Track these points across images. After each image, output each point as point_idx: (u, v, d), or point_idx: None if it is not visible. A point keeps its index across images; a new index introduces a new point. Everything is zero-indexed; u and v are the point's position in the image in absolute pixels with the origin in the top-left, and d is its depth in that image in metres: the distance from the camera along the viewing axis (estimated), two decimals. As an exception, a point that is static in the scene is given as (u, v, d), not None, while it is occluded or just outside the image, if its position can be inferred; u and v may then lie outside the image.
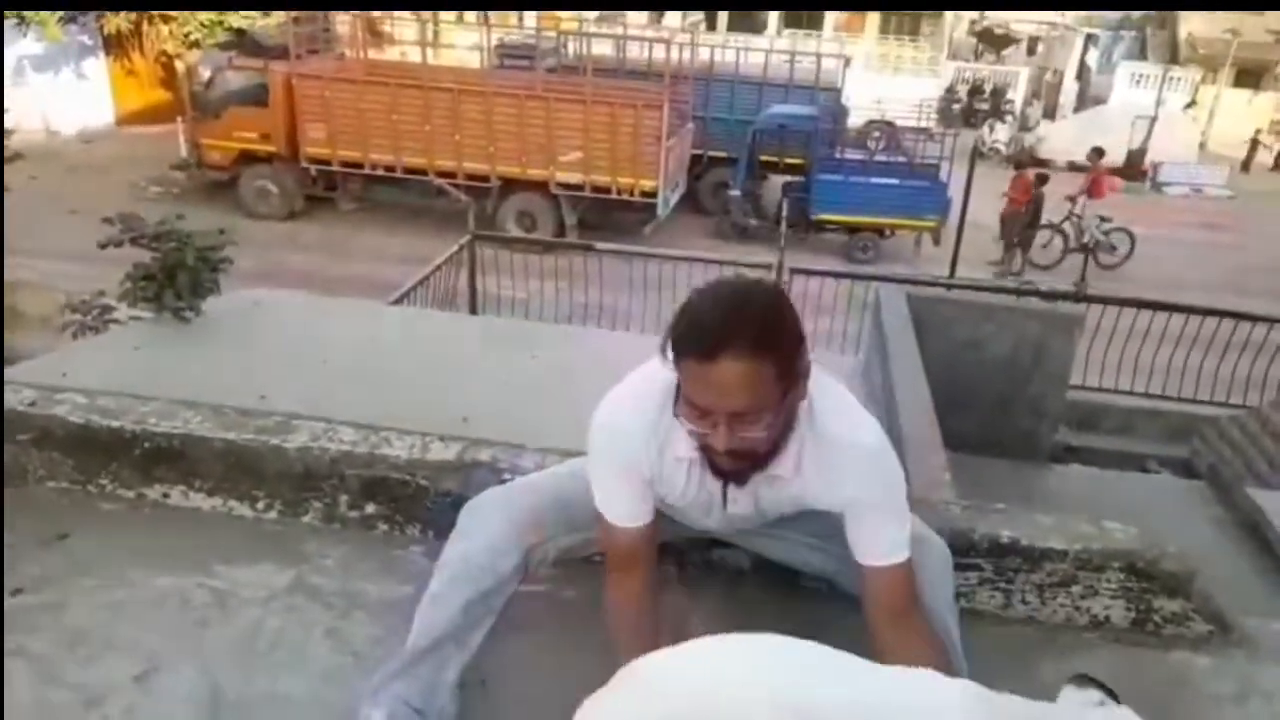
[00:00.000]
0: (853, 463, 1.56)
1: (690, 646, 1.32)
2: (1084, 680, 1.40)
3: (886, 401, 3.69)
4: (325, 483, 2.28)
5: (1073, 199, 14.50)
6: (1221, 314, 6.36)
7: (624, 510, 1.67)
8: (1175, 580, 2.16)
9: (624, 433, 1.62)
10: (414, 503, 2.28)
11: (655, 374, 1.57)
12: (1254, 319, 6.43)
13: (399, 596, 2.10)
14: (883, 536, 1.60)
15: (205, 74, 14.78)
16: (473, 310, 7.49)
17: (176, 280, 4.05)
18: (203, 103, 14.35)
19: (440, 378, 3.88)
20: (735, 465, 1.53)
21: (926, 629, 1.65)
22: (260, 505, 2.32)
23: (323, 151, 14.05)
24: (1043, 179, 14.26)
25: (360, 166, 14.07)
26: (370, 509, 2.30)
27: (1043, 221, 14.15)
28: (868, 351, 4.64)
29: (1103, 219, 14.32)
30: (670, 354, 1.44)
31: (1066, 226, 14.42)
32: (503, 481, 2.20)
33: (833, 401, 1.59)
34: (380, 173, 14.04)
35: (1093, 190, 14.69)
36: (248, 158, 14.23)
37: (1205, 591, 2.19)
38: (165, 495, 2.33)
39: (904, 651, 1.49)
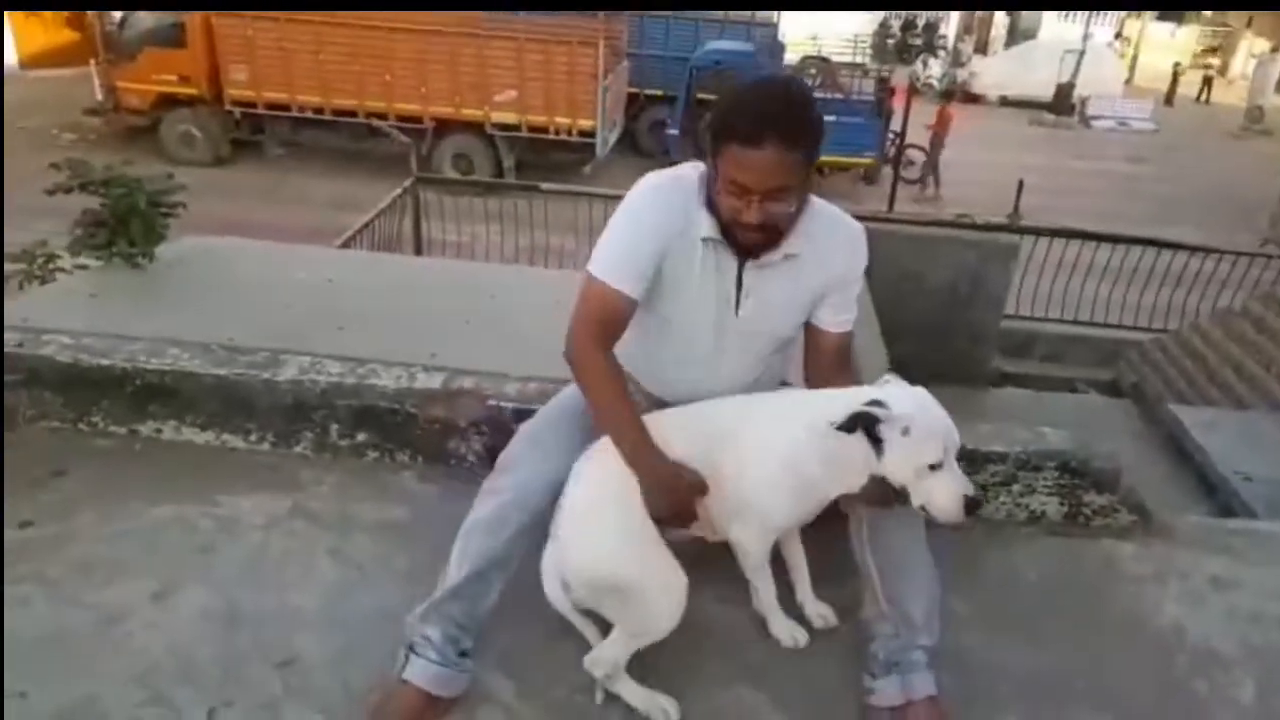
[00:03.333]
0: (847, 238, 1.87)
1: None
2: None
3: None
4: (316, 413, 2.38)
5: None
6: (1147, 242, 6.69)
7: (626, 270, 1.76)
8: (1103, 476, 2.39)
9: (664, 193, 1.80)
10: (403, 430, 2.39)
11: (682, 171, 1.83)
12: (1174, 247, 6.77)
13: (395, 517, 2.23)
14: (848, 306, 1.92)
15: (117, 13, 14.10)
16: (417, 254, 7.46)
17: (129, 226, 4.00)
18: (116, 43, 13.73)
19: (402, 318, 3.91)
20: (759, 238, 1.75)
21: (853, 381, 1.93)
22: (253, 437, 2.41)
23: (247, 93, 13.61)
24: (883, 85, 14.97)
25: (287, 109, 13.70)
26: (361, 437, 2.40)
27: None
28: (814, 283, 4.81)
29: (895, 134, 14.64)
30: (712, 141, 1.68)
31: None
32: (488, 407, 2.34)
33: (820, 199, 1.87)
34: (309, 115, 13.69)
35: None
36: (168, 101, 13.70)
37: (1129, 485, 2.43)
38: (158, 431, 2.41)
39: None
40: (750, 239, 1.75)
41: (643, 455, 1.75)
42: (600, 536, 1.73)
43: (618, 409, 1.78)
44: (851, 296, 1.92)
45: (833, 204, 1.91)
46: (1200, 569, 2.35)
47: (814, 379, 1.95)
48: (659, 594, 1.72)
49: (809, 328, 1.94)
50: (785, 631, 1.94)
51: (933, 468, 1.64)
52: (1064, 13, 27.93)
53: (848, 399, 1.69)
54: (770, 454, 1.75)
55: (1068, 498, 2.42)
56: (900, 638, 1.80)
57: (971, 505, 1.66)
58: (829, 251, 1.83)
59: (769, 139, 1.61)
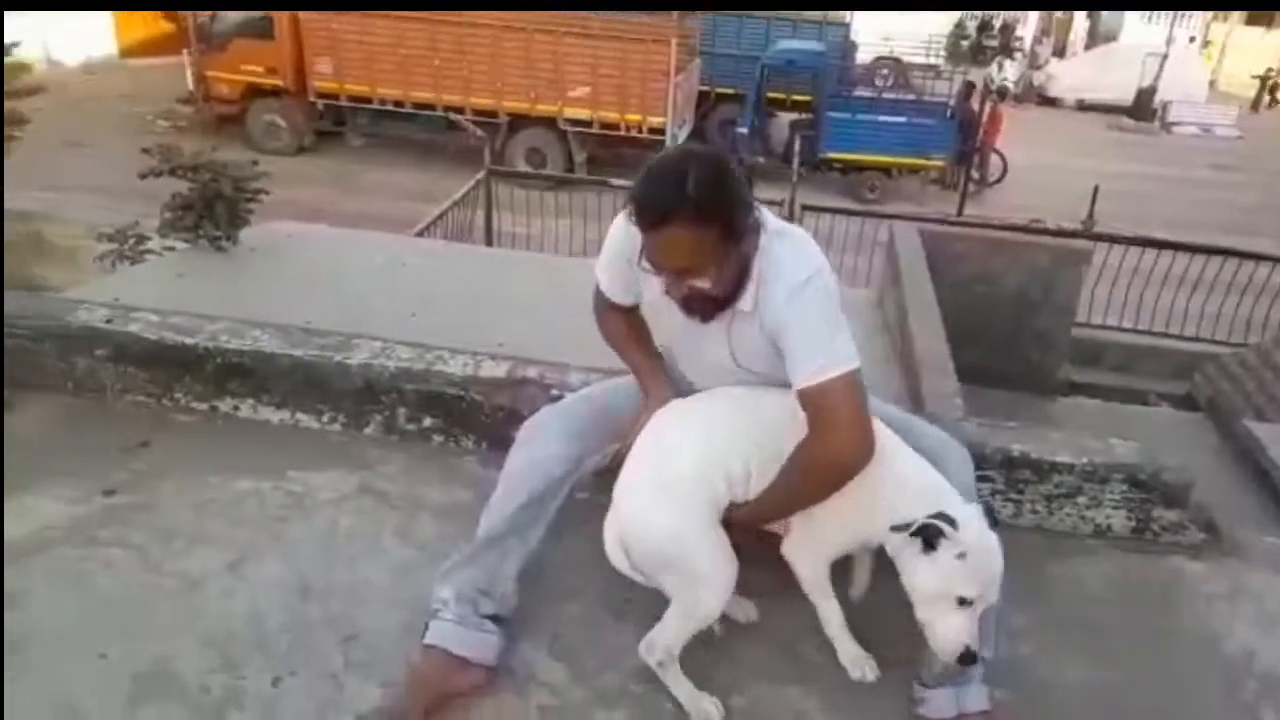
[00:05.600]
0: (785, 287, 1.72)
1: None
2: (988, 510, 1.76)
3: (900, 331, 3.84)
4: (385, 397, 2.45)
5: None
6: (1225, 253, 6.48)
7: (613, 287, 1.99)
8: (1174, 491, 2.34)
9: (619, 247, 1.88)
10: (468, 416, 2.45)
11: None
12: (1257, 258, 6.54)
13: (459, 500, 2.28)
14: (798, 360, 1.70)
15: (206, 5, 14.55)
16: (488, 245, 7.59)
17: (215, 210, 4.17)
18: (208, 35, 14.17)
19: (473, 307, 4.03)
20: (695, 308, 1.78)
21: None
22: (325, 418, 2.49)
23: (330, 86, 13.96)
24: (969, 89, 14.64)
25: (369, 101, 14.02)
26: (427, 422, 2.47)
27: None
28: (881, 285, 4.77)
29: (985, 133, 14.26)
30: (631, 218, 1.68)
31: None
32: (551, 397, 2.38)
33: (788, 246, 1.77)
34: (389, 107, 14.00)
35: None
36: (255, 91, 14.13)
37: (1201, 502, 2.37)
38: (236, 408, 2.51)
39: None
40: (689, 307, 1.78)
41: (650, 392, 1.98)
42: (663, 512, 1.76)
43: (626, 356, 2.06)
44: (795, 347, 1.70)
45: (794, 242, 1.77)
46: (1274, 592, 2.28)
47: None
48: (711, 577, 1.74)
49: None
50: (854, 663, 1.89)
51: (961, 602, 1.63)
52: (1147, 15, 27.06)
53: (924, 490, 1.73)
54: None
55: (1136, 511, 2.37)
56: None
57: (967, 657, 1.63)
58: (767, 300, 1.74)
59: (670, 222, 1.61)
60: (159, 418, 2.50)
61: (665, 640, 1.76)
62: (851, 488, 1.72)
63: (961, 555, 1.62)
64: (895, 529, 1.67)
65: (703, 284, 1.70)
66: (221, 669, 1.80)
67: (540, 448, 1.93)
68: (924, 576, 1.65)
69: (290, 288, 3.76)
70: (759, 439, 1.81)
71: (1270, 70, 25.82)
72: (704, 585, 1.73)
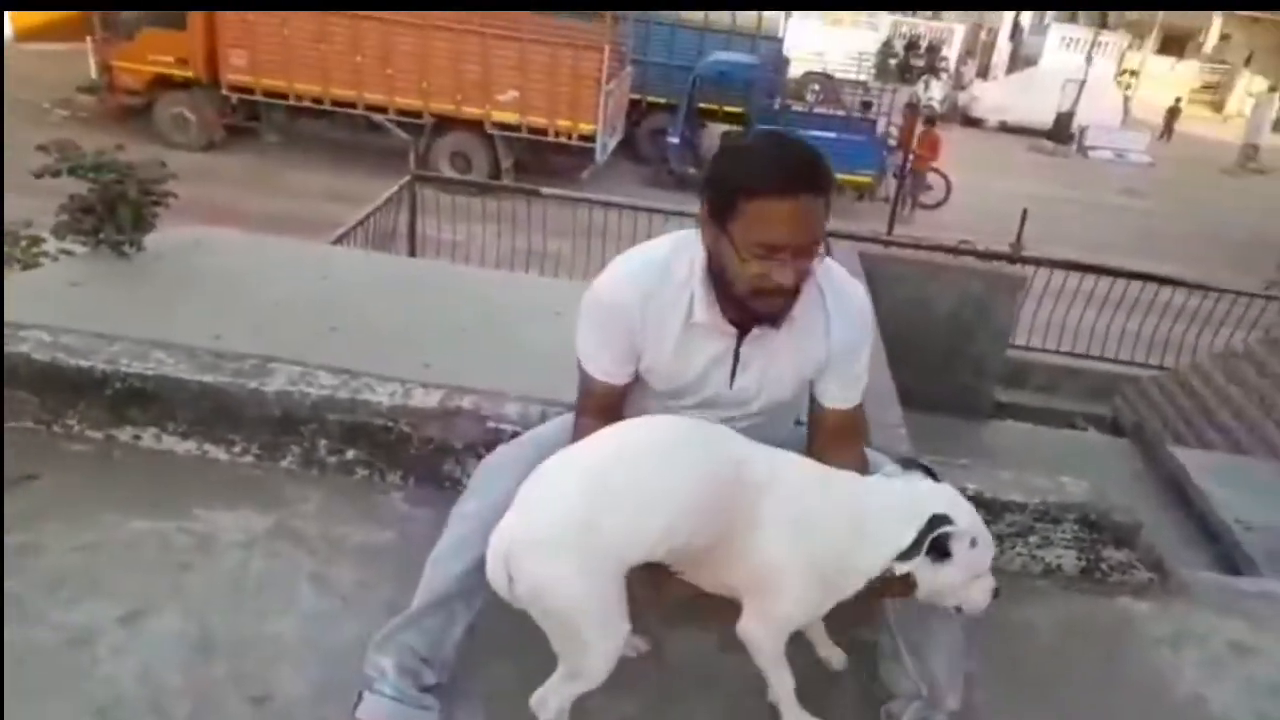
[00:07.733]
0: (855, 309, 1.73)
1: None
2: (910, 464, 1.71)
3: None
4: (304, 427, 2.25)
5: None
6: (1145, 278, 6.64)
7: (605, 368, 1.72)
8: (1123, 531, 2.31)
9: (620, 303, 1.67)
10: (395, 449, 2.27)
11: (655, 251, 1.70)
12: (1175, 283, 6.73)
13: (382, 542, 2.11)
14: (851, 382, 1.76)
15: (115, -10, 13.86)
16: (411, 252, 7.35)
17: (117, 214, 3.88)
18: (114, 22, 13.50)
19: (396, 322, 3.83)
20: (782, 303, 1.61)
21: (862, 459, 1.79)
22: (236, 449, 2.28)
23: (245, 79, 13.43)
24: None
25: (285, 97, 13.54)
26: (350, 454, 2.28)
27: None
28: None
29: (916, 155, 14.84)
30: (725, 206, 1.54)
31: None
32: (487, 429, 2.23)
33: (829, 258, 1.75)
34: (307, 104, 13.54)
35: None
36: (163, 82, 13.51)
37: (1148, 542, 2.34)
38: (137, 437, 2.28)
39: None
40: (775, 305, 1.60)
41: None
42: (568, 565, 1.47)
43: None
44: (855, 371, 1.76)
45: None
46: (1219, 633, 2.27)
47: (814, 456, 1.74)
48: (600, 636, 1.52)
49: (812, 402, 1.79)
50: None
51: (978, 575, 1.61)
52: (1066, 41, 28.05)
53: (898, 504, 1.59)
54: (805, 538, 1.59)
55: (1086, 552, 2.33)
56: (923, 700, 1.70)
57: (995, 594, 1.65)
58: (832, 322, 1.69)
59: (801, 187, 1.51)
60: (49, 448, 2.25)
61: (556, 702, 1.58)
62: (819, 563, 1.59)
63: (973, 543, 1.56)
64: (904, 558, 1.53)
65: (808, 264, 1.57)
66: (110, 740, 1.60)
67: (497, 495, 1.68)
68: (949, 579, 1.58)
69: (199, 300, 3.51)
70: (719, 499, 1.55)
71: (1178, 99, 26.99)
72: (589, 652, 1.53)
